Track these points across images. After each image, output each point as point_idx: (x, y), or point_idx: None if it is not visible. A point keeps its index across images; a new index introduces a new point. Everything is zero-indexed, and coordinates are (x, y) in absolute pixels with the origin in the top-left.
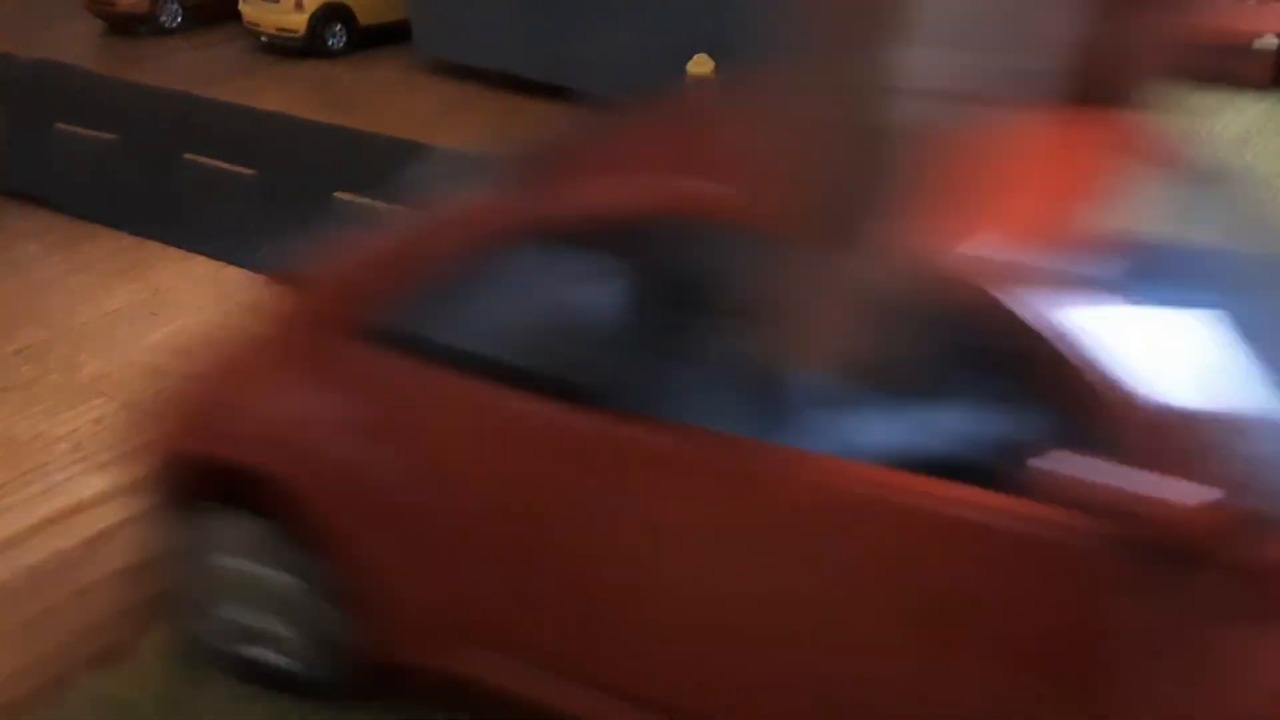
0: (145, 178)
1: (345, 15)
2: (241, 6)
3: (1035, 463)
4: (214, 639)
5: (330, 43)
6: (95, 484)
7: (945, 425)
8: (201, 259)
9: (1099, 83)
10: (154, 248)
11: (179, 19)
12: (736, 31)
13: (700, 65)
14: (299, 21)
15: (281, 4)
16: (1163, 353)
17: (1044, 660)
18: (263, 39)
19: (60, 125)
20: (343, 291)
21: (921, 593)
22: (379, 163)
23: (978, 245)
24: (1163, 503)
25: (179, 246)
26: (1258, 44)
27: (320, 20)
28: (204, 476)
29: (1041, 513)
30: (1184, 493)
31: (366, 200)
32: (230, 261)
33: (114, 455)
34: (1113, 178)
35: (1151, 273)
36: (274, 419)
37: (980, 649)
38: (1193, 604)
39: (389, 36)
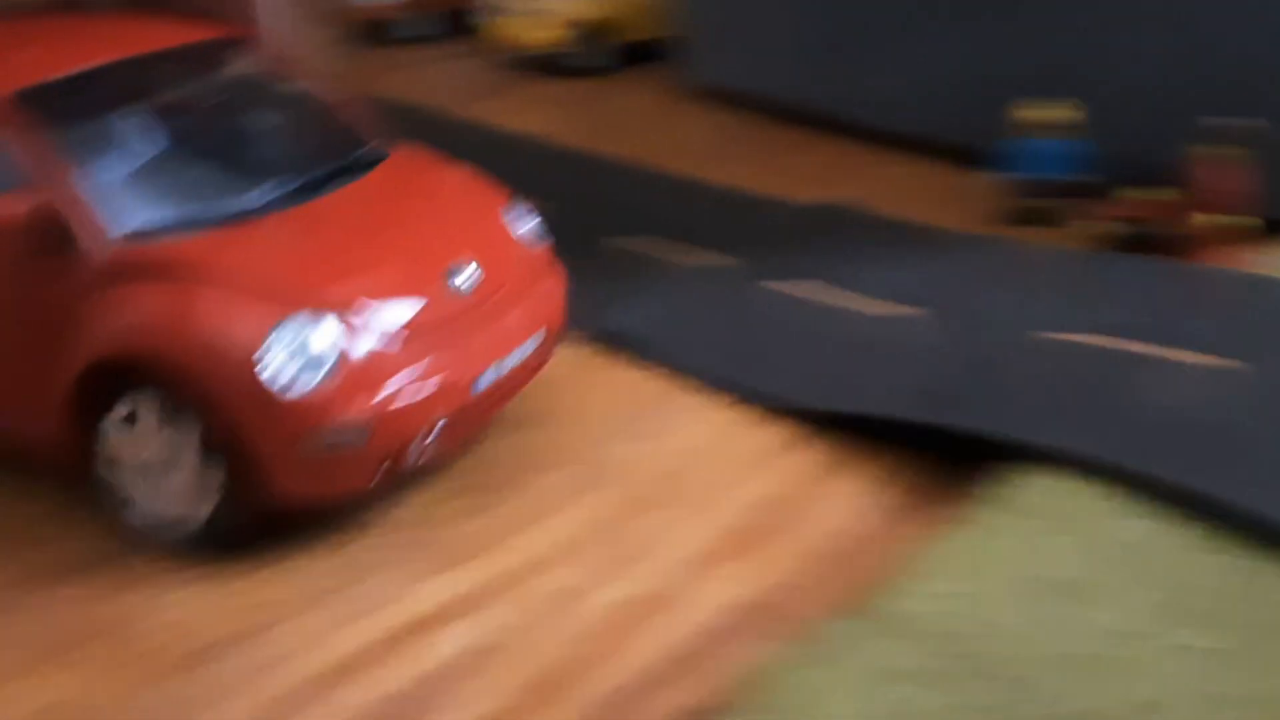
0: None
1: (608, 32)
2: (495, 20)
3: None
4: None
5: (590, 60)
6: (437, 596)
7: None
8: None
9: None
10: None
11: (429, 30)
12: (1066, 75)
13: (1053, 110)
14: (564, 37)
15: (547, 18)
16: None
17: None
18: (517, 54)
19: None
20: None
21: None
22: (653, 202)
23: None
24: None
25: None
26: None
27: (585, 36)
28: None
29: None
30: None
31: (645, 247)
32: None
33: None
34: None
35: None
36: None
37: None
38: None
39: (650, 55)
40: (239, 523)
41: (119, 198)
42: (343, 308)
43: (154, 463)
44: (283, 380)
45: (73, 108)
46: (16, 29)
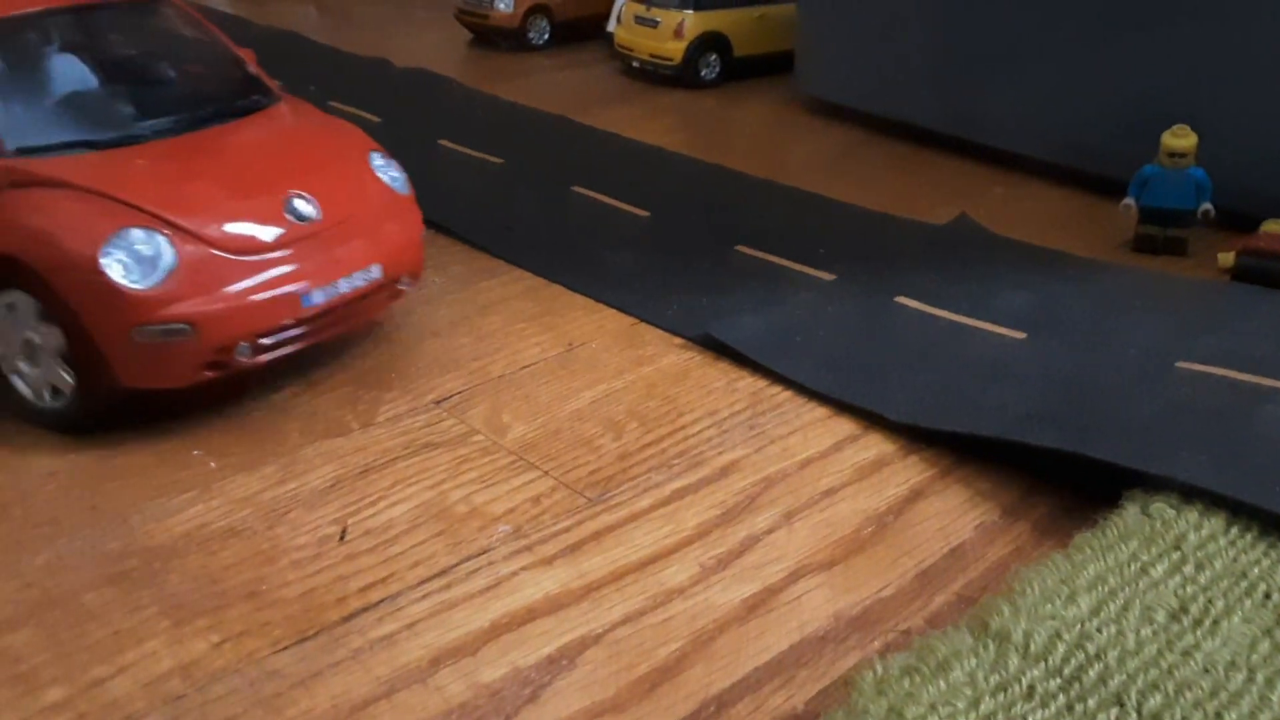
0: (538, 210)
1: (722, 45)
2: (615, 29)
3: None
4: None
5: (703, 73)
6: (545, 584)
7: None
8: (611, 312)
9: None
10: (557, 291)
11: (546, 36)
12: (1197, 102)
13: (1180, 136)
14: (676, 49)
15: (660, 30)
16: None
17: None
18: (633, 64)
19: (442, 142)
20: None
21: None
22: (774, 214)
23: None
24: None
25: (582, 292)
26: None
27: (697, 49)
28: None
29: None
30: None
31: (769, 257)
32: (640, 318)
33: (558, 548)
34: None
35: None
36: None
37: None
38: None
39: (762, 69)
40: (90, 405)
41: (14, 117)
42: (184, 221)
43: (22, 352)
44: (119, 277)
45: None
46: None
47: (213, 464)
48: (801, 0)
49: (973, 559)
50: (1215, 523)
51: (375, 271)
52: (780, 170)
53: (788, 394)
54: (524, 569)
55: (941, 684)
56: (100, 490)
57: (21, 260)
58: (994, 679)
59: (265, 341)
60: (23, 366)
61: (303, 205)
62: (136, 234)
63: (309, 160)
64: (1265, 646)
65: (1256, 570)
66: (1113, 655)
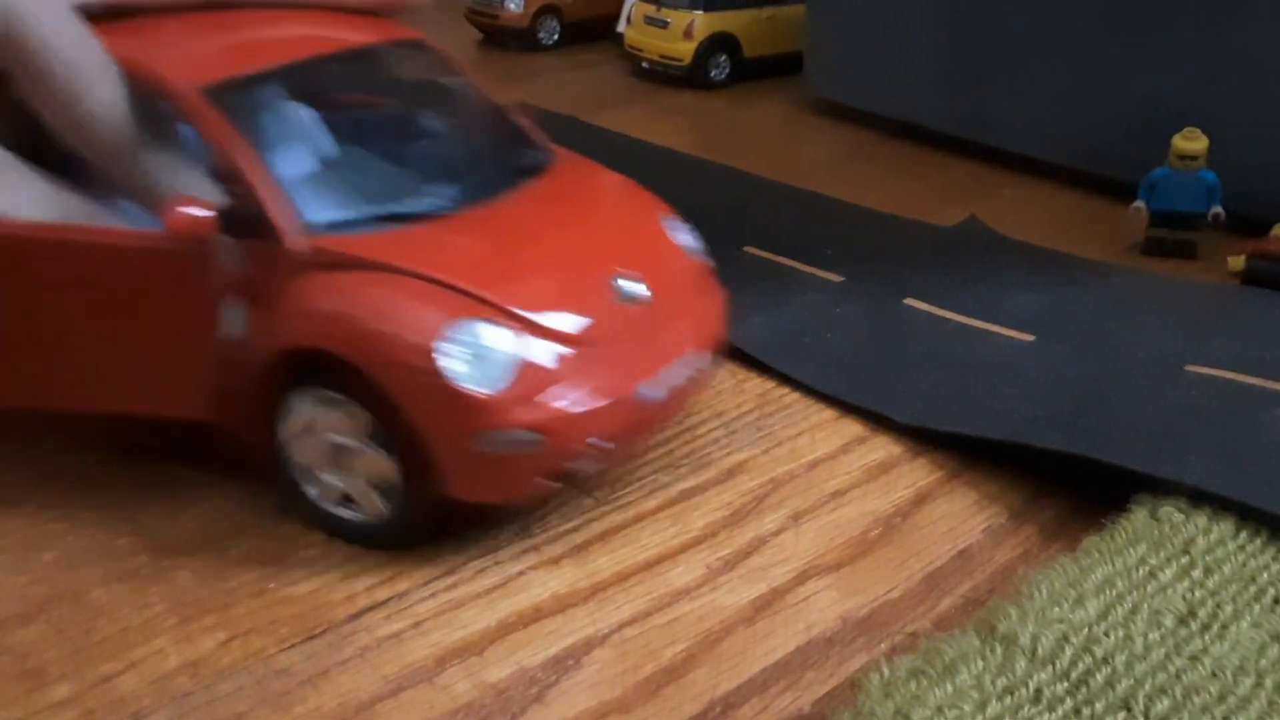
0: None
1: (731, 46)
2: (625, 30)
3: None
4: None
5: (713, 74)
6: (552, 584)
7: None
8: None
9: None
10: None
11: (556, 36)
12: (1207, 106)
13: (1190, 139)
14: (685, 50)
15: (670, 30)
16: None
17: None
18: (643, 65)
19: None
20: None
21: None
22: (782, 215)
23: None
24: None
25: None
26: None
27: (706, 49)
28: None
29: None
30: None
31: (777, 258)
32: None
33: (565, 548)
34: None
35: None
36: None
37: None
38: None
39: (771, 70)
40: (408, 519)
41: (309, 191)
42: (519, 311)
43: (329, 456)
44: (460, 377)
45: (261, 103)
46: (193, 22)
47: (222, 463)
48: (810, 1)
49: (980, 562)
50: (1224, 527)
51: (699, 356)
52: (789, 171)
53: (795, 395)
54: (531, 569)
55: (948, 687)
56: (112, 487)
57: (336, 356)
58: (1001, 682)
59: (606, 445)
60: (325, 476)
61: (629, 285)
62: (479, 327)
63: (617, 230)
64: (1274, 651)
65: (1265, 575)
66: (1120, 659)
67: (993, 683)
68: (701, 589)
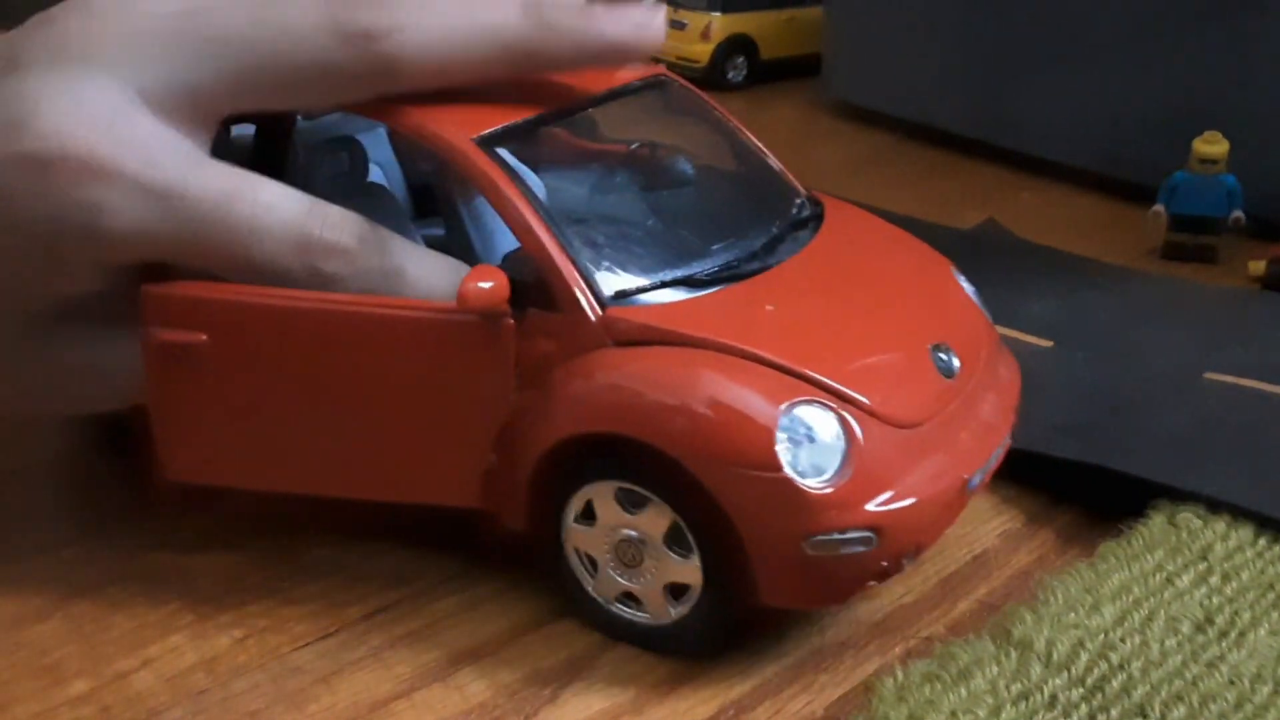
0: None
1: (748, 47)
2: None
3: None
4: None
5: (730, 75)
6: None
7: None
8: None
9: None
10: None
11: None
12: (1227, 110)
13: (1211, 142)
14: (703, 51)
15: (687, 32)
16: None
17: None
18: (660, 66)
19: None
20: None
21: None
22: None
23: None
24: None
25: None
26: None
27: (724, 51)
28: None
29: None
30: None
31: None
32: None
33: None
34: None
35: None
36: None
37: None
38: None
39: (789, 72)
40: (710, 626)
41: (600, 255)
42: (849, 391)
43: (616, 551)
44: (795, 471)
45: (535, 154)
46: None
47: None
48: (828, 2)
49: (996, 566)
50: (1243, 533)
51: (1008, 436)
52: (807, 174)
53: None
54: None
55: (962, 691)
56: (128, 484)
57: (644, 444)
58: (1015, 687)
59: (929, 540)
60: (610, 573)
61: (947, 357)
62: (810, 412)
63: (920, 291)
64: None
65: None
66: (1136, 666)
67: (1007, 688)
68: None
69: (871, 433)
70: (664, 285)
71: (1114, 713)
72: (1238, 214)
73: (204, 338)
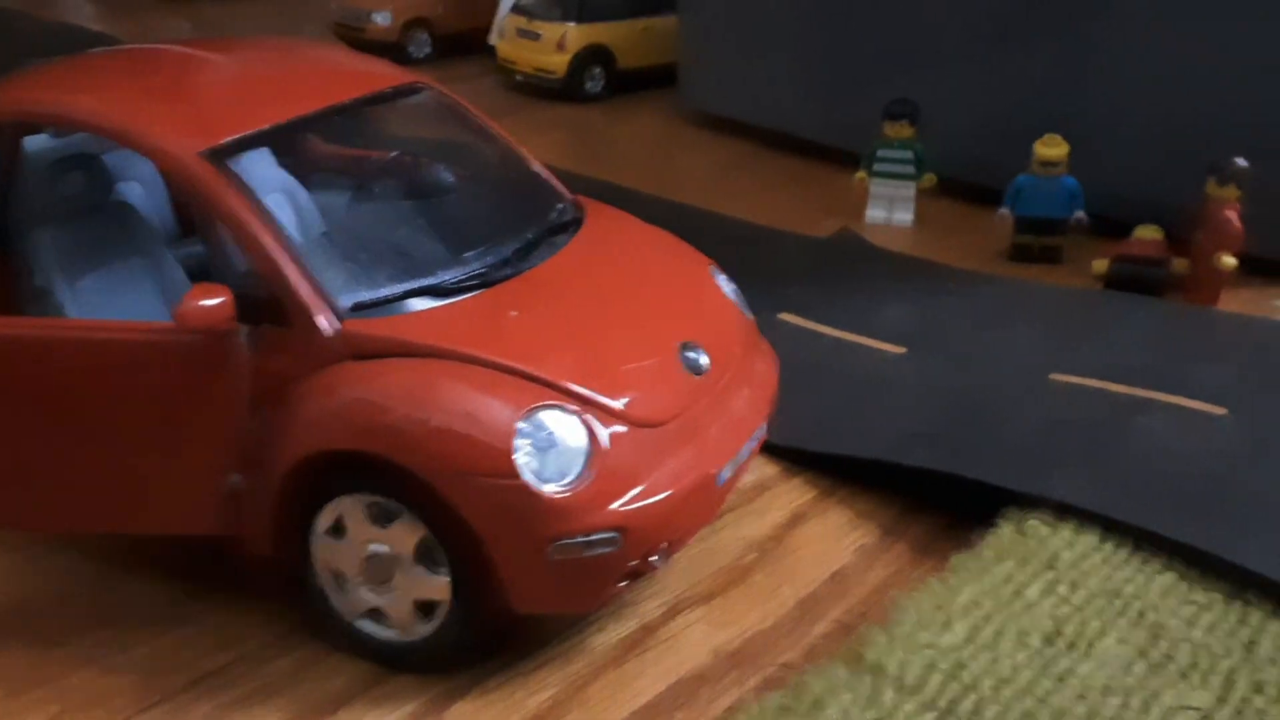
0: None
1: (605, 58)
2: (497, 43)
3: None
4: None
5: (588, 86)
6: None
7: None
8: None
9: None
10: None
11: (427, 49)
12: (1069, 113)
13: (1051, 145)
14: (559, 62)
15: (542, 43)
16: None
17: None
18: (517, 77)
19: None
20: None
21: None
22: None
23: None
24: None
25: None
26: None
27: (580, 62)
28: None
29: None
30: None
31: None
32: None
33: None
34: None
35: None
36: None
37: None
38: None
39: (646, 81)
40: (463, 639)
41: (339, 267)
42: (589, 394)
43: (362, 567)
44: (536, 478)
45: (275, 164)
46: (188, 61)
47: None
48: (681, 12)
49: (853, 584)
50: (1089, 539)
51: (762, 428)
52: (667, 185)
53: None
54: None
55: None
56: None
57: (380, 458)
58: (869, 715)
59: (679, 537)
60: (355, 590)
61: (695, 355)
62: (548, 416)
63: (672, 291)
64: (1140, 668)
65: (1130, 588)
66: (987, 684)
67: (860, 716)
68: (568, 631)
69: (614, 434)
70: (408, 295)
71: None
72: (1080, 215)
73: None
